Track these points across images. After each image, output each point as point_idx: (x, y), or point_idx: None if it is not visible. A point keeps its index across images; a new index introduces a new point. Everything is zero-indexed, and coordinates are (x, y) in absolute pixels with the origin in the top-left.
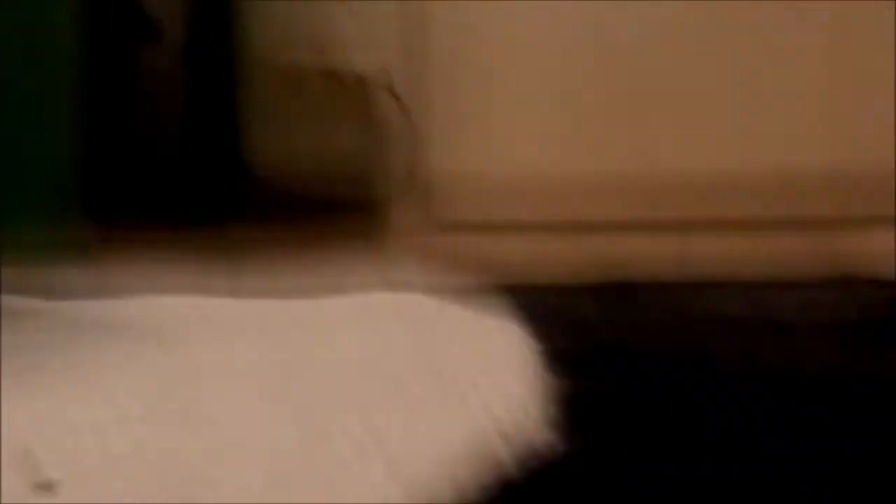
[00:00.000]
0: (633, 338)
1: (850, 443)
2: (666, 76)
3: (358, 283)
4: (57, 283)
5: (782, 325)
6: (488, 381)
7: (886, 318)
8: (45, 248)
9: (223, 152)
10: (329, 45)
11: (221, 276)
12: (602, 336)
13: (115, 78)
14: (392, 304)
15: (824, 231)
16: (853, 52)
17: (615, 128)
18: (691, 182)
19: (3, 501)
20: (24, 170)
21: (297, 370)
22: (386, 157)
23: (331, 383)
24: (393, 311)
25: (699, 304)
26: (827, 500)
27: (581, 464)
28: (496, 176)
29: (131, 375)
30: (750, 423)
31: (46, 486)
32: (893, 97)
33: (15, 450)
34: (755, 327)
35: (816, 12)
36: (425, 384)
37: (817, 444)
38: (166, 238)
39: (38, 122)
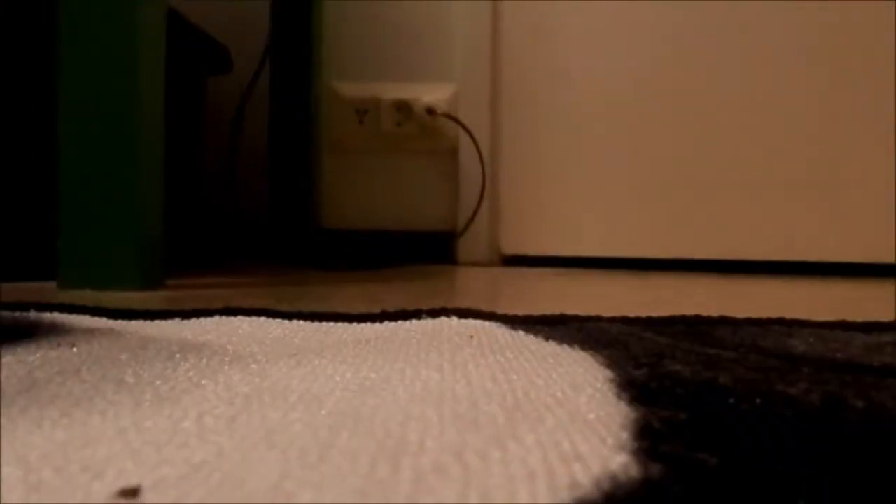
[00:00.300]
0: (705, 369)
1: None
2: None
3: (428, 311)
4: (129, 306)
5: (855, 365)
6: (563, 406)
7: None
8: (120, 279)
9: (295, 188)
10: (399, 76)
11: (291, 305)
12: (674, 367)
13: (184, 109)
14: (463, 330)
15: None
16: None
17: (683, 185)
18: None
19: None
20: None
21: (373, 392)
22: (454, 189)
23: (407, 406)
24: (464, 336)
25: (769, 341)
26: None
27: (657, 490)
28: (565, 208)
29: (206, 389)
30: (828, 460)
31: (132, 492)
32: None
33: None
34: (826, 365)
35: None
36: (500, 406)
37: None
38: (236, 276)
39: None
